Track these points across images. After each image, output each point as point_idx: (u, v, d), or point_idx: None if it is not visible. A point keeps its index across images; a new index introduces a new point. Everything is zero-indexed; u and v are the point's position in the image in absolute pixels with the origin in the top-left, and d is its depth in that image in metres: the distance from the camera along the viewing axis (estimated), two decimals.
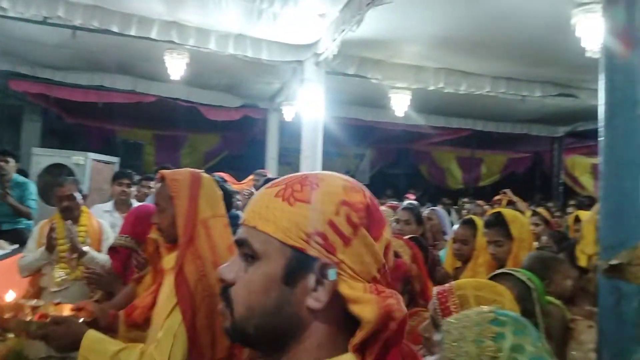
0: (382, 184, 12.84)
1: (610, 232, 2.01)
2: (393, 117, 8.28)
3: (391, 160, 14.39)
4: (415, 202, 4.37)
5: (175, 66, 6.21)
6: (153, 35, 5.47)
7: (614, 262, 1.96)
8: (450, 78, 7.16)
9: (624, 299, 1.99)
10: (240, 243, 0.79)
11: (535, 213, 4.83)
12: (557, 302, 2.03)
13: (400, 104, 7.68)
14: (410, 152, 14.00)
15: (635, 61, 2.00)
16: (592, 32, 3.97)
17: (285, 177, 0.84)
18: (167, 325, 1.60)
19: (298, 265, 0.76)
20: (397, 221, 3.67)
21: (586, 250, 2.28)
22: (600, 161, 2.05)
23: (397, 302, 0.76)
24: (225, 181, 3.44)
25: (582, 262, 2.33)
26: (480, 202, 8.02)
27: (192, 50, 5.93)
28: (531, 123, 11.09)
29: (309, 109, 5.77)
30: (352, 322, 0.76)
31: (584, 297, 2.27)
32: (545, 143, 12.21)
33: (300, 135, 5.95)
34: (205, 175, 1.73)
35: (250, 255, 0.77)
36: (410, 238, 2.95)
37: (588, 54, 4.13)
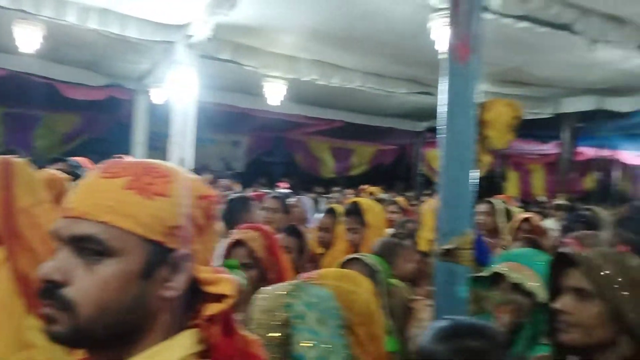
0: (258, 172, 12.87)
1: (445, 220, 2.25)
2: (269, 105, 8.33)
3: (267, 149, 14.45)
4: (283, 191, 4.46)
5: (27, 38, 5.62)
6: (1, 2, 4.90)
7: (447, 246, 2.20)
8: (324, 70, 7.39)
9: (456, 280, 2.25)
10: (81, 239, 0.74)
11: (393, 202, 5.15)
12: (400, 283, 2.23)
13: (275, 93, 7.75)
14: (286, 141, 14.19)
15: (472, 67, 2.25)
16: (443, 37, 4.34)
17: (115, 163, 0.81)
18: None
19: (157, 258, 0.76)
20: (265, 209, 3.71)
21: (426, 236, 2.54)
22: (440, 156, 2.28)
23: (236, 279, 0.83)
24: (80, 166, 3.21)
25: (423, 246, 2.59)
26: (349, 191, 8.42)
27: (49, 21, 5.41)
28: (397, 117, 11.85)
29: (179, 92, 5.59)
30: (191, 303, 0.79)
31: (425, 278, 2.52)
32: (409, 137, 13.14)
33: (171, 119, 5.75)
34: (17, 160, 1.60)
35: (97, 252, 0.74)
36: (287, 227, 3.03)
37: (440, 57, 4.52)
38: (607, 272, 1.28)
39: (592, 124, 9.98)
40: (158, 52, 6.89)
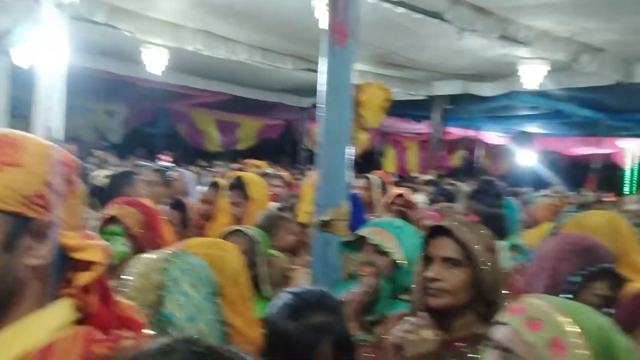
0: (137, 144, 12.26)
1: (323, 193, 2.41)
2: (149, 74, 7.94)
3: (147, 120, 13.77)
4: (165, 164, 4.35)
5: None
6: None
7: (324, 218, 2.36)
8: (209, 41, 7.20)
9: (331, 248, 2.43)
10: None
11: (278, 176, 5.26)
12: (279, 254, 2.34)
13: (155, 61, 7.40)
14: (169, 112, 13.64)
15: (350, 50, 2.39)
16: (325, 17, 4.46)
17: None
18: None
19: (17, 229, 0.75)
20: (145, 182, 3.61)
21: (305, 209, 2.68)
22: (318, 133, 2.41)
23: (107, 245, 0.84)
24: None
25: (303, 218, 2.73)
26: (234, 165, 8.39)
27: None
28: (284, 93, 11.94)
29: (46, 55, 5.12)
30: (63, 271, 0.79)
31: (304, 249, 2.66)
32: (295, 112, 13.32)
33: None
34: None
35: None
36: (172, 202, 2.98)
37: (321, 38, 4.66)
38: (472, 241, 1.45)
39: (459, 107, 10.89)
40: (20, 10, 6.22)
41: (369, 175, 4.98)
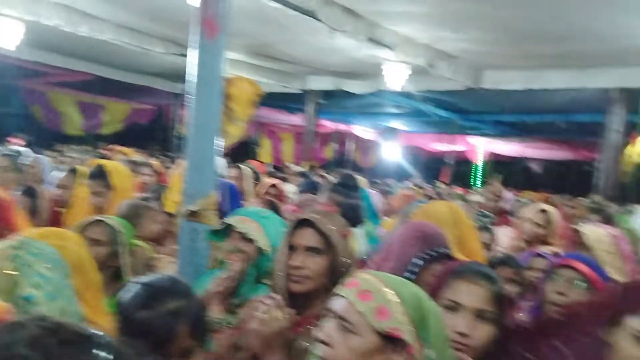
0: None
1: (192, 183, 2.42)
2: (2, 48, 7.14)
3: None
4: (17, 148, 4.01)
5: None
6: None
7: (192, 208, 2.38)
8: (70, 17, 6.68)
9: (198, 237, 2.45)
10: None
11: (147, 164, 5.09)
12: (142, 243, 2.33)
13: (9, 34, 6.69)
14: (22, 91, 12.35)
15: (220, 43, 2.43)
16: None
17: None
18: None
19: None
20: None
21: (173, 198, 2.67)
22: (188, 123, 2.42)
23: None
24: None
25: (169, 208, 2.72)
26: (99, 151, 7.91)
27: None
28: (154, 77, 11.44)
29: None
30: None
31: (170, 238, 2.66)
32: (167, 97, 12.83)
33: None
34: None
35: None
36: (24, 188, 2.75)
37: (190, 30, 4.59)
38: (332, 232, 1.58)
39: (331, 101, 11.35)
40: None
41: (241, 165, 5.04)
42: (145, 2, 6.18)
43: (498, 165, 18.84)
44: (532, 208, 3.46)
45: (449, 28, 6.28)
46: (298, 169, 9.27)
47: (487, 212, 4.93)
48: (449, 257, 1.78)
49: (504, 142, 15.96)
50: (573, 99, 8.54)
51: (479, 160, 17.20)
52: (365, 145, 19.22)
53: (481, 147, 16.83)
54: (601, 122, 8.10)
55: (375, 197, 4.63)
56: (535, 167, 20.30)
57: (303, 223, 1.63)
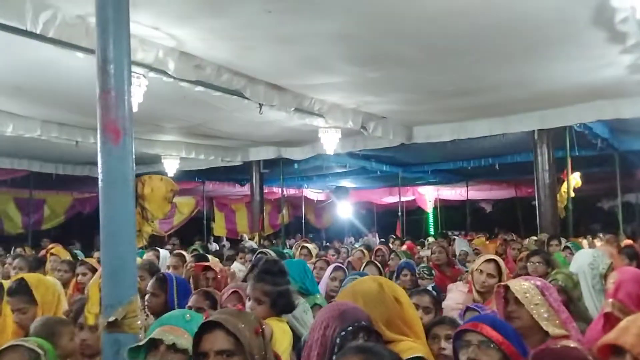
0: None
1: (110, 291, 2.30)
2: None
3: None
4: None
5: None
6: None
7: (112, 318, 2.25)
8: None
9: (122, 348, 2.30)
10: None
11: (83, 263, 4.78)
12: None
13: None
14: None
15: (126, 147, 2.39)
16: None
17: None
18: None
19: None
20: None
21: (92, 310, 2.54)
22: (101, 231, 2.34)
23: None
24: None
25: (90, 321, 2.57)
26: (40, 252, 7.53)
27: None
28: (93, 165, 11.20)
29: None
30: None
31: (95, 353, 2.49)
32: None
33: None
34: None
35: None
36: None
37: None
38: (243, 331, 1.54)
39: (275, 169, 11.46)
40: None
41: (183, 252, 4.89)
42: (72, 97, 6.15)
43: (448, 210, 19.29)
44: (481, 259, 3.49)
45: (372, 93, 6.55)
46: (249, 243, 9.13)
47: (430, 270, 4.93)
48: (369, 331, 1.78)
49: (450, 188, 16.58)
50: (501, 143, 8.94)
51: (429, 207, 17.66)
52: (318, 207, 19.33)
53: (430, 195, 17.38)
54: (532, 161, 8.50)
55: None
56: (485, 206, 20.89)
57: (211, 325, 1.57)
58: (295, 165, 11.13)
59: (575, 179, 8.54)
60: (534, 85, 6.34)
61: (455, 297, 3.82)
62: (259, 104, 5.97)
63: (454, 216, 19.70)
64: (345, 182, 15.43)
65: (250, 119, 7.45)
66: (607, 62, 5.46)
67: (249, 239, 11.31)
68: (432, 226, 18.58)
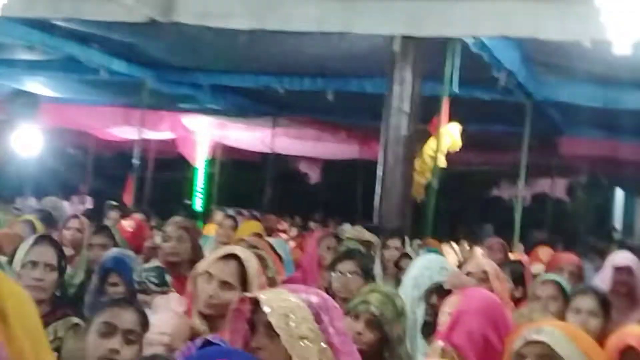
0: None
1: None
2: None
3: None
4: None
5: None
6: None
7: None
8: None
9: None
10: None
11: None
12: None
13: None
14: None
15: None
16: None
17: None
18: None
19: None
20: None
21: None
22: None
23: None
24: None
25: None
26: None
27: None
28: None
29: None
30: None
31: None
32: None
33: None
34: None
35: None
36: None
37: None
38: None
39: None
40: None
41: None
42: None
43: (237, 168, 11.44)
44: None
45: None
46: None
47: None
48: None
49: (244, 126, 10.15)
50: (340, 52, 5.02)
51: (198, 159, 10.46)
52: None
53: (204, 134, 11.11)
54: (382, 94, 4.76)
55: None
56: (308, 171, 12.00)
57: None
58: None
59: (451, 135, 4.97)
60: None
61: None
62: None
63: (245, 182, 12.34)
64: (34, 85, 8.74)
65: None
66: None
67: None
68: (200, 194, 10.95)
